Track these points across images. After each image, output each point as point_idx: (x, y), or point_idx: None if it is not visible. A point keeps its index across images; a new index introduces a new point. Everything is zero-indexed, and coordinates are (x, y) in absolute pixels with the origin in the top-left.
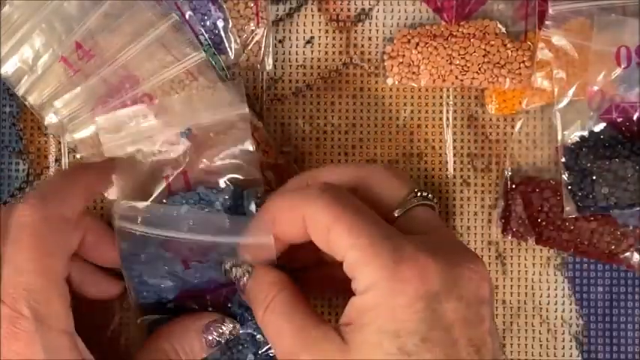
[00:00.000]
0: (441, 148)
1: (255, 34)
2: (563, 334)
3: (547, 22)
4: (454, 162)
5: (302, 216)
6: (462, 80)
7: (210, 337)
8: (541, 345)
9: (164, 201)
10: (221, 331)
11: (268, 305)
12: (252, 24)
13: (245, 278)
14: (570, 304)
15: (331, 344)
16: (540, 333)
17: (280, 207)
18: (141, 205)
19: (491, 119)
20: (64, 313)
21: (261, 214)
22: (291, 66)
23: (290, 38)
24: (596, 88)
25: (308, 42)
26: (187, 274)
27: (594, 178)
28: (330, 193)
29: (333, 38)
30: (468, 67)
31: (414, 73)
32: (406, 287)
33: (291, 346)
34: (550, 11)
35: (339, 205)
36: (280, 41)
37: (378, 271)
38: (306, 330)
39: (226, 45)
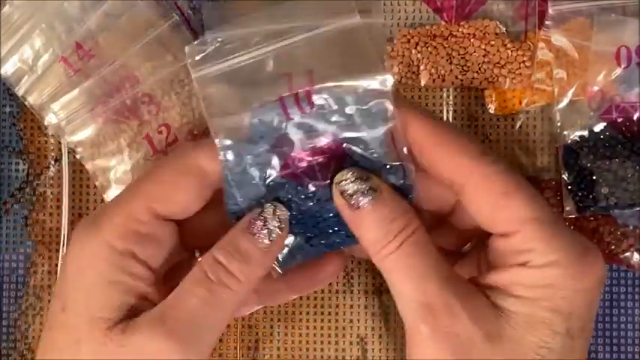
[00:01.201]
0: None
1: None
2: None
3: (547, 22)
4: None
5: (466, 171)
6: (462, 80)
7: (256, 232)
8: None
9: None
10: (263, 218)
11: (405, 241)
12: None
13: (367, 198)
14: None
15: (484, 304)
16: None
17: (441, 145)
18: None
19: (491, 119)
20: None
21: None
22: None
23: None
24: (596, 88)
25: None
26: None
27: (594, 178)
28: (505, 162)
29: None
30: (468, 67)
31: (414, 73)
32: (590, 273)
33: (439, 294)
34: (550, 11)
35: (517, 175)
36: None
37: (567, 251)
38: (455, 281)
39: None
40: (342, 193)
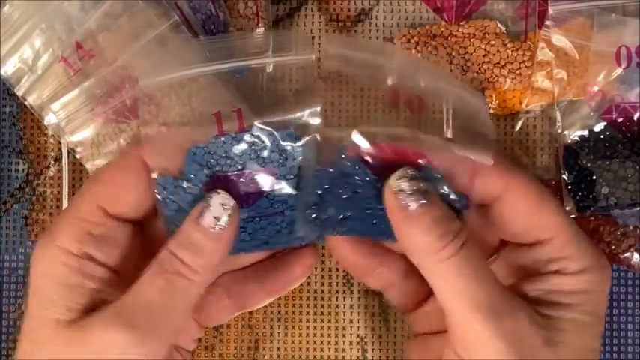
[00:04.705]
0: None
1: None
2: None
3: (547, 22)
4: None
5: (504, 182)
6: (462, 80)
7: (205, 222)
8: None
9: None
10: (209, 207)
11: (462, 246)
12: (252, 24)
13: (422, 201)
14: None
15: (534, 311)
16: None
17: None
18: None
19: (491, 119)
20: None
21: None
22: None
23: None
24: (596, 88)
25: None
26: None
27: (594, 178)
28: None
29: None
30: (468, 67)
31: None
32: (609, 276)
33: (502, 299)
34: (550, 11)
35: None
36: None
37: (593, 256)
38: (505, 296)
39: None
40: (398, 191)
